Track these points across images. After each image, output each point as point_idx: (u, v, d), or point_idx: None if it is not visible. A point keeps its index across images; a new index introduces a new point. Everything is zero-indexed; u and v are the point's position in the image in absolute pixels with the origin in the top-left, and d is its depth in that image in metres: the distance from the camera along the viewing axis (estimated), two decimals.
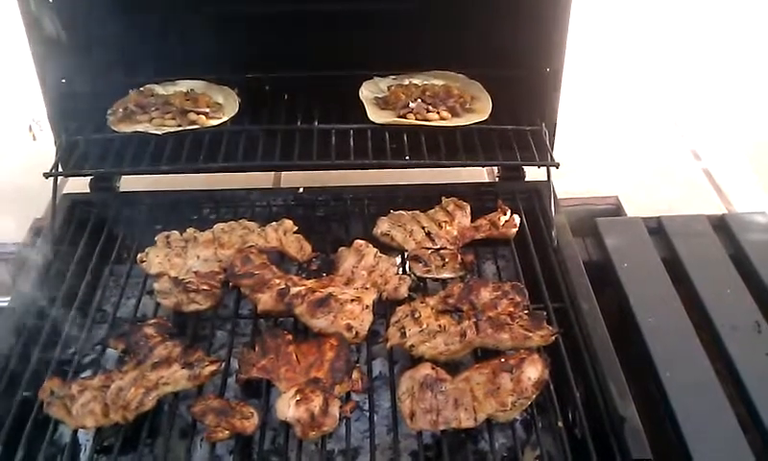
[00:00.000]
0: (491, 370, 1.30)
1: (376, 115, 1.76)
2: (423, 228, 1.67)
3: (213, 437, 1.24)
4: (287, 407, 1.25)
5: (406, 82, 1.87)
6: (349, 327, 1.40)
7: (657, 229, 1.82)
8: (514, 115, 1.80)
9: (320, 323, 1.42)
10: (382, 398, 1.44)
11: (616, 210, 1.97)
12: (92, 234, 1.72)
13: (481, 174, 2.08)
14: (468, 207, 1.73)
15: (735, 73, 2.69)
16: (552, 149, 1.76)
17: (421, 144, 1.71)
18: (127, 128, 1.74)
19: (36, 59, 1.68)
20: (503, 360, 1.31)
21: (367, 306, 1.45)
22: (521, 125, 1.78)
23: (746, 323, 1.55)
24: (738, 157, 2.22)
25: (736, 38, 2.89)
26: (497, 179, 2.00)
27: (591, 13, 2.43)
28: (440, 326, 1.41)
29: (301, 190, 1.86)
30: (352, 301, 1.45)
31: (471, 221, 1.71)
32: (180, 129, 1.72)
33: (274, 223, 1.70)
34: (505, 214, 1.70)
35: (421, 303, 1.47)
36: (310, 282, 1.51)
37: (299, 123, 1.78)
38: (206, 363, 1.34)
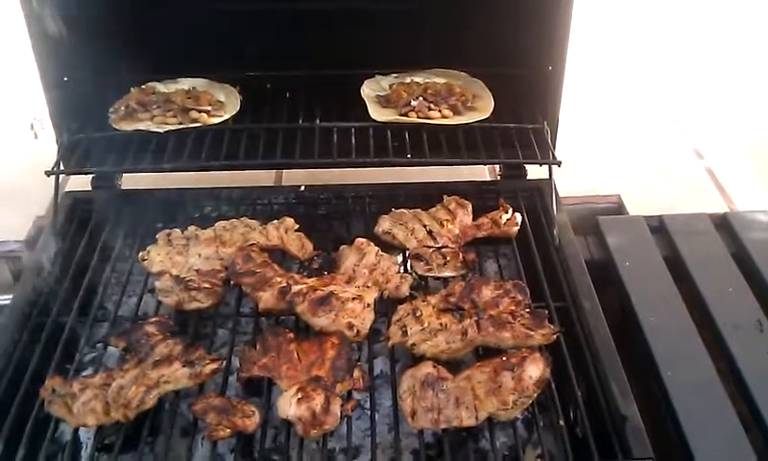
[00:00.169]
0: (492, 368, 1.30)
1: (378, 113, 1.76)
2: (425, 226, 1.67)
3: (214, 435, 1.24)
4: (288, 406, 1.25)
5: (408, 80, 1.87)
6: (351, 326, 1.40)
7: (658, 227, 1.82)
8: (515, 113, 1.80)
9: (321, 321, 1.42)
10: (383, 396, 1.43)
11: (618, 209, 1.97)
12: (94, 232, 1.72)
13: (483, 172, 2.08)
14: (470, 206, 1.73)
15: (737, 72, 2.69)
16: (554, 147, 1.76)
17: (423, 142, 1.71)
18: (128, 126, 1.73)
19: (38, 57, 1.67)
20: (504, 359, 1.31)
21: (368, 305, 1.45)
22: (523, 123, 1.78)
23: (748, 321, 1.54)
24: (740, 156, 2.21)
25: (738, 37, 2.89)
26: (499, 177, 2.00)
27: (593, 12, 2.42)
28: (441, 324, 1.41)
29: (303, 188, 1.86)
30: (354, 299, 1.44)
31: (473, 219, 1.71)
32: (182, 127, 1.72)
33: (275, 221, 1.70)
34: (507, 213, 1.70)
35: (423, 301, 1.47)
36: (311, 281, 1.51)
37: (300, 121, 1.78)
38: (208, 361, 1.34)
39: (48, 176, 1.68)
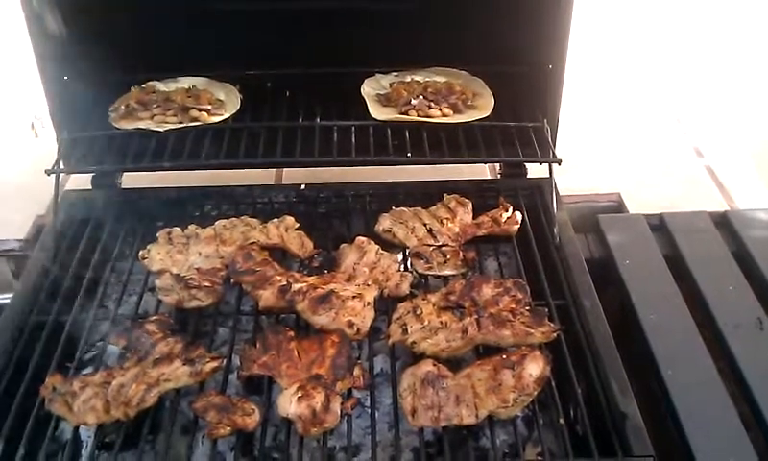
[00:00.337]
0: (492, 366, 1.30)
1: (378, 112, 1.76)
2: (425, 224, 1.67)
3: (214, 434, 1.25)
4: (289, 404, 1.25)
5: (408, 78, 1.87)
6: (351, 324, 1.40)
7: (659, 225, 1.82)
8: (516, 112, 1.80)
9: (321, 319, 1.42)
10: (383, 394, 1.44)
11: (618, 207, 1.97)
12: (94, 231, 1.72)
13: (483, 171, 2.08)
14: (470, 204, 1.73)
15: (738, 70, 2.69)
16: (554, 145, 1.76)
17: (423, 141, 1.70)
18: (128, 125, 1.73)
19: (38, 56, 1.67)
20: (504, 357, 1.31)
21: (368, 303, 1.45)
22: (523, 121, 1.78)
23: (748, 320, 1.54)
24: (740, 154, 2.21)
25: (739, 35, 2.88)
26: (499, 175, 2.00)
27: (594, 10, 2.42)
28: (441, 322, 1.41)
29: (303, 187, 1.86)
30: (354, 297, 1.44)
31: (473, 218, 1.71)
32: (182, 126, 1.72)
33: (275, 219, 1.70)
34: (507, 211, 1.70)
35: (423, 299, 1.47)
36: (312, 279, 1.51)
37: (300, 120, 1.78)
38: (208, 360, 1.34)
39: (48, 175, 1.68)
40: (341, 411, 1.26)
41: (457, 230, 1.67)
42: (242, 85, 1.85)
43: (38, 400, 1.31)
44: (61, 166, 1.72)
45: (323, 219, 1.81)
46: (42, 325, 1.48)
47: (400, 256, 1.64)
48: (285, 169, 2.06)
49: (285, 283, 1.47)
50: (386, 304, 1.50)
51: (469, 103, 1.81)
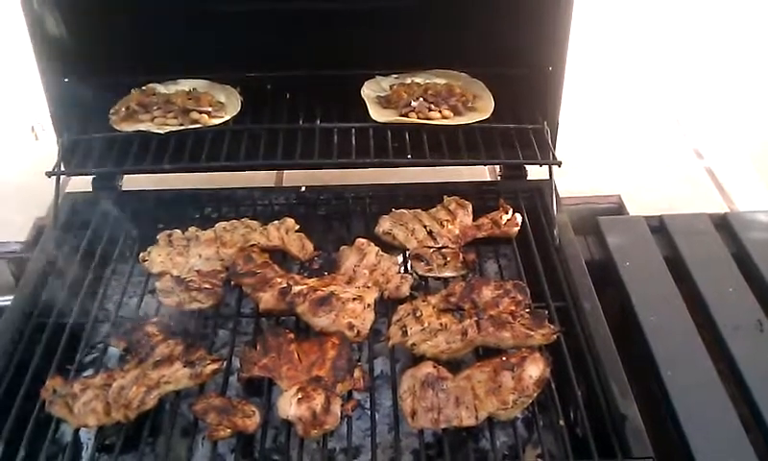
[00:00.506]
0: (492, 368, 1.30)
1: (378, 114, 1.76)
2: (425, 226, 1.67)
3: (215, 435, 1.25)
4: (289, 406, 1.25)
5: (408, 80, 1.87)
6: (351, 326, 1.40)
7: (659, 227, 1.82)
8: (516, 114, 1.80)
9: (321, 321, 1.42)
10: (383, 396, 1.44)
11: (618, 209, 1.97)
12: (94, 233, 1.72)
13: (483, 173, 2.08)
14: (470, 206, 1.73)
15: (738, 71, 2.69)
16: (554, 147, 1.76)
17: (423, 143, 1.71)
18: (129, 127, 1.74)
19: (39, 58, 1.68)
20: (504, 359, 1.31)
21: (368, 305, 1.45)
22: (523, 123, 1.78)
23: (748, 322, 1.54)
24: (740, 156, 2.21)
25: (739, 37, 2.88)
26: (499, 177, 2.00)
27: (593, 12, 2.42)
28: (441, 324, 1.41)
29: (303, 189, 1.86)
30: (354, 299, 1.45)
31: (473, 220, 1.71)
32: (183, 128, 1.73)
33: (275, 221, 1.70)
34: (507, 213, 1.70)
35: (423, 301, 1.47)
36: (312, 281, 1.51)
37: (300, 122, 1.78)
38: (208, 362, 1.34)
39: (49, 177, 1.69)
40: (341, 413, 1.26)
41: (457, 231, 1.68)
42: (242, 88, 1.86)
43: (39, 403, 1.31)
44: (62, 168, 1.72)
45: (323, 221, 1.82)
46: (43, 327, 1.48)
47: (400, 258, 1.64)
48: (285, 171, 2.06)
49: (285, 285, 1.47)
50: (386, 306, 1.50)
51: (469, 105, 1.81)
